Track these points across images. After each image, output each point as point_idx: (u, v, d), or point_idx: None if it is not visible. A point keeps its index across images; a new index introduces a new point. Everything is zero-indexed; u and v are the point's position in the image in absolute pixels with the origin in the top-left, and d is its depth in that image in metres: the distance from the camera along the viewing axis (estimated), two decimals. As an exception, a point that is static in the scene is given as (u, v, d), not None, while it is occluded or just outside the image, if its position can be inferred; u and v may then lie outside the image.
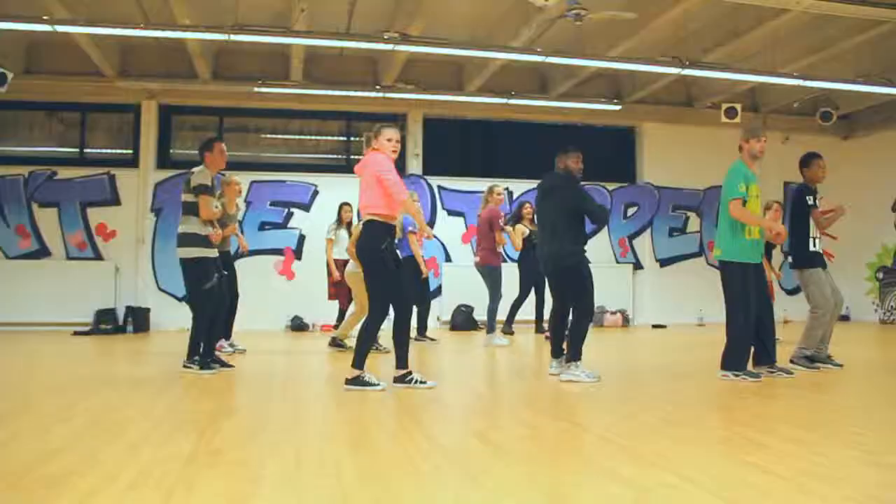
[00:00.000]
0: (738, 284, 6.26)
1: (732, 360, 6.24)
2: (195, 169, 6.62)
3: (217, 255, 6.77)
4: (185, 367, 6.55)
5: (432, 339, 10.08)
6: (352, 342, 8.46)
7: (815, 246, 6.99)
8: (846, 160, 14.74)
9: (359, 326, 6.41)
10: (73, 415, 4.55)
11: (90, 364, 7.69)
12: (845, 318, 14.69)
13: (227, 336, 8.54)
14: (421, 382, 5.67)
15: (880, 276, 14.53)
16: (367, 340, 5.72)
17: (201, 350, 6.71)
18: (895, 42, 10.98)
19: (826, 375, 6.63)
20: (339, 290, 10.50)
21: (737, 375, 6.16)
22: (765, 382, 6.11)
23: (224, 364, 6.86)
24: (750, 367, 6.36)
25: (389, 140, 5.83)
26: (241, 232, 8.90)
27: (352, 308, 8.94)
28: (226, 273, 6.96)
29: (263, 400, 5.29)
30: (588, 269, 6.37)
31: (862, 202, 13.99)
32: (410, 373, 5.73)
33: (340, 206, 10.25)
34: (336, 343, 8.74)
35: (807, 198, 7.00)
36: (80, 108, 12.80)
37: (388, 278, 5.64)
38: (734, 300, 6.29)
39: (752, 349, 6.44)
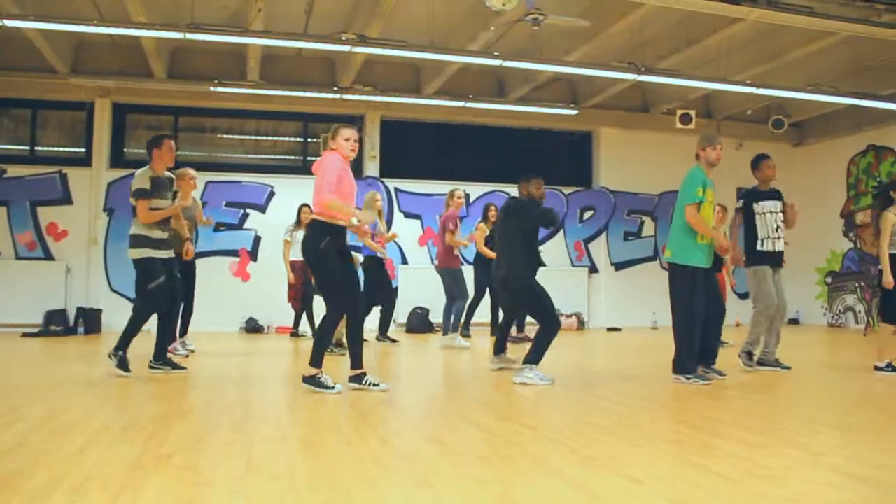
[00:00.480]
0: (686, 288, 6.38)
1: (682, 364, 6.35)
2: (138, 171, 6.57)
3: (169, 256, 6.69)
4: (108, 356, 6.51)
5: (394, 341, 10.07)
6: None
7: (762, 246, 7.22)
8: (797, 167, 15.06)
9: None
10: (18, 418, 4.46)
11: (38, 366, 7.55)
12: (795, 322, 14.98)
13: (183, 334, 8.49)
14: (374, 385, 5.66)
15: (829, 280, 14.83)
16: (324, 339, 5.72)
17: (156, 352, 6.72)
18: (844, 52, 11.23)
19: (775, 378, 6.76)
20: (294, 293, 10.48)
21: (688, 379, 6.26)
22: (716, 385, 6.22)
23: (176, 366, 6.79)
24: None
25: (347, 140, 5.79)
26: (196, 236, 8.72)
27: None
28: (178, 274, 6.85)
29: (215, 402, 5.24)
30: (537, 284, 6.53)
31: (812, 208, 14.29)
32: (365, 373, 5.72)
33: (300, 208, 10.22)
34: (339, 344, 8.65)
35: (738, 201, 7.42)
36: (31, 104, 12.54)
37: (334, 276, 5.59)
38: (680, 303, 6.41)
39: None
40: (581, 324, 13.76)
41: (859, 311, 14.10)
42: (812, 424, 4.51)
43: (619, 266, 14.68)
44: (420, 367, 8.00)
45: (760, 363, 7.29)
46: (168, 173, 6.79)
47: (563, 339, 11.57)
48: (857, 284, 14.18)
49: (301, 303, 10.60)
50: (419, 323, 12.63)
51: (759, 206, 7.30)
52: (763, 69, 11.59)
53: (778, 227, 7.27)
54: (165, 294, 6.56)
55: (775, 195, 7.36)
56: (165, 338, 6.87)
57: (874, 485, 3.13)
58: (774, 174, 7.38)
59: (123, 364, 6.42)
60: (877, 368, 7.05)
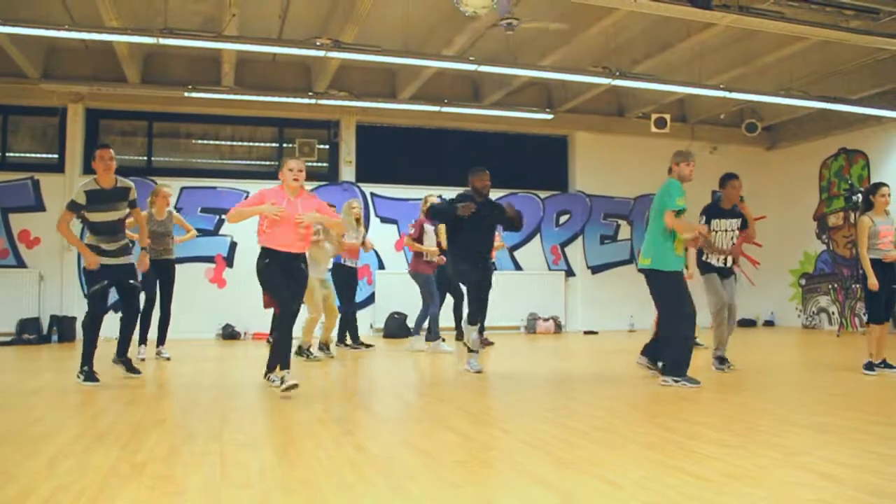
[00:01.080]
0: (673, 292, 6.49)
1: (673, 367, 6.44)
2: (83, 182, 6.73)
3: (123, 263, 6.76)
4: (76, 377, 6.51)
5: (368, 346, 10.04)
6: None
7: (707, 259, 7.53)
8: (770, 170, 15.23)
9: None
10: (-11, 428, 4.41)
11: (11, 375, 7.46)
12: (770, 324, 15.12)
13: (160, 343, 8.65)
14: (279, 385, 5.72)
15: (803, 282, 14.97)
16: (283, 342, 5.95)
17: (118, 348, 6.91)
18: (815, 57, 11.37)
19: (750, 380, 6.81)
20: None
21: (676, 381, 6.33)
22: (692, 388, 6.25)
23: (132, 369, 6.86)
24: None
25: (291, 170, 6.03)
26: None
27: (304, 313, 8.80)
28: (133, 283, 6.83)
29: (190, 410, 5.20)
30: (460, 275, 7.40)
31: (785, 211, 14.48)
32: (267, 375, 6.09)
33: None
34: (301, 352, 8.61)
35: (700, 216, 7.59)
36: (1, 110, 12.39)
37: (271, 288, 6.05)
38: (671, 308, 6.51)
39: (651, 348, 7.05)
40: (558, 327, 13.81)
41: (833, 313, 14.25)
42: (786, 425, 4.55)
43: (595, 269, 14.73)
44: (396, 372, 7.98)
45: (721, 360, 7.51)
46: (124, 181, 6.76)
47: (541, 343, 11.64)
48: (830, 286, 14.33)
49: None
50: (397, 328, 12.61)
51: (715, 224, 7.52)
52: (736, 73, 11.71)
53: (732, 243, 7.54)
54: (104, 297, 6.68)
55: (734, 214, 7.59)
56: (127, 335, 6.90)
57: (847, 484, 3.16)
58: (738, 195, 7.60)
59: (90, 377, 6.43)
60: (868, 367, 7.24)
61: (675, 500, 2.90)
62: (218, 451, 3.80)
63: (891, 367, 7.23)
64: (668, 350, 6.57)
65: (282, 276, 5.92)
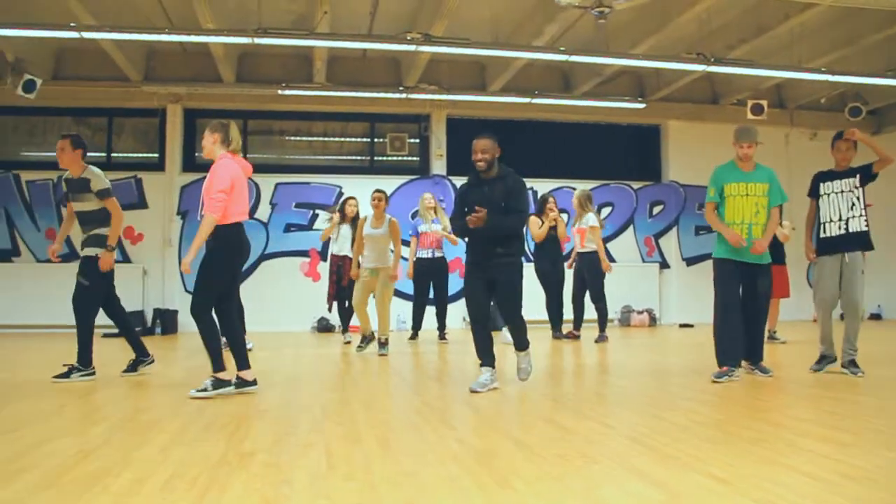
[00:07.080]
0: (717, 279, 6.31)
1: (717, 356, 6.25)
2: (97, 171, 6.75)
3: (86, 255, 6.70)
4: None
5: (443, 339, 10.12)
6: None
7: (823, 232, 6.62)
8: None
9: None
10: (104, 416, 4.59)
11: (119, 366, 7.74)
12: (877, 317, 14.51)
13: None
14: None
15: (912, 273, 14.30)
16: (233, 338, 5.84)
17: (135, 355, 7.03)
18: (925, 35, 10.84)
19: (864, 376, 6.40)
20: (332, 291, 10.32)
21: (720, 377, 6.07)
22: (796, 383, 6.06)
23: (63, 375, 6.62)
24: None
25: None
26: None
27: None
28: (79, 277, 6.83)
29: (291, 401, 5.30)
30: (519, 273, 6.28)
31: (893, 198, 13.83)
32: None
33: (345, 201, 10.13)
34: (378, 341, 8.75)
35: (811, 185, 6.85)
36: (106, 112, 12.93)
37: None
38: (714, 295, 6.32)
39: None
40: (652, 320, 13.58)
41: (944, 304, 13.57)
42: (902, 422, 4.35)
43: (690, 261, 14.42)
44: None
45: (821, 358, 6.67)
46: (88, 172, 6.71)
47: (636, 336, 11.47)
48: (941, 276, 13.64)
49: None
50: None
51: (823, 187, 6.70)
52: (838, 55, 11.26)
53: (853, 205, 6.54)
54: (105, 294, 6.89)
55: (847, 174, 6.67)
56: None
57: (974, 485, 3.00)
58: (844, 155, 6.70)
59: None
60: None
61: (788, 500, 2.80)
62: (322, 441, 3.87)
63: None
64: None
65: (236, 258, 5.71)
